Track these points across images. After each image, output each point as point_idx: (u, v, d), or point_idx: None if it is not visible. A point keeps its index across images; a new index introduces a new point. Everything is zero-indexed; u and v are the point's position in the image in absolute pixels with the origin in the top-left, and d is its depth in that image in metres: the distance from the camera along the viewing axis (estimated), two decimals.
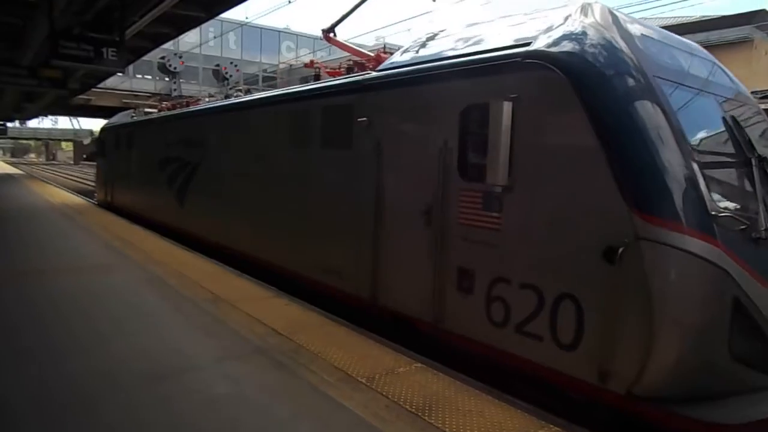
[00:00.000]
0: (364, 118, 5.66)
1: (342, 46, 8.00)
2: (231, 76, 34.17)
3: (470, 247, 4.53)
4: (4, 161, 77.08)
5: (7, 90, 18.71)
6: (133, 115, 15.79)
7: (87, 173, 47.96)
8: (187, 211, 10.71)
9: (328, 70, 7.86)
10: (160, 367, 4.00)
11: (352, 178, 5.93)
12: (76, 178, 41.04)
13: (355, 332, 4.96)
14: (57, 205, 15.46)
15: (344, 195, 6.07)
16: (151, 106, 16.53)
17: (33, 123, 54.87)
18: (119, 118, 17.18)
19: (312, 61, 8.45)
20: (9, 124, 46.67)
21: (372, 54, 7.06)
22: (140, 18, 9.90)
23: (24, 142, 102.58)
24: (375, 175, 5.53)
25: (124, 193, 15.18)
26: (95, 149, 19.50)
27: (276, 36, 38.13)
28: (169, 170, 11.45)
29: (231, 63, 34.97)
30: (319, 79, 7.75)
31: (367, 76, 5.96)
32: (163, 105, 14.56)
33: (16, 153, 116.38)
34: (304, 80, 9.13)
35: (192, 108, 11.59)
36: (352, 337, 4.83)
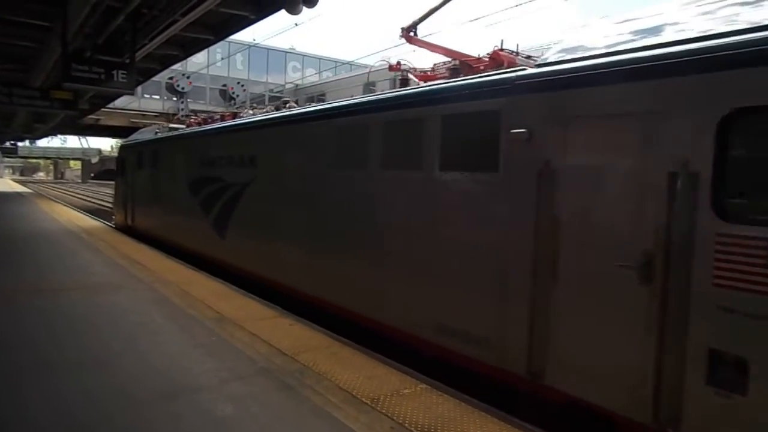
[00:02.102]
0: (523, 130, 4.20)
1: (430, 47, 6.90)
2: (238, 95, 34.67)
3: (740, 322, 3.03)
4: (13, 180, 77.92)
5: (20, 111, 19.05)
6: (157, 131, 14.86)
7: (95, 192, 48.47)
8: (229, 239, 9.25)
9: (417, 73, 6.70)
10: (170, 385, 4.04)
11: (495, 210, 4.45)
12: (83, 197, 41.43)
13: (360, 352, 4.95)
14: (65, 224, 15.58)
15: (478, 231, 4.64)
16: (156, 125, 16.46)
17: (42, 142, 55.67)
18: (143, 135, 16.02)
19: (398, 63, 7.11)
20: (19, 144, 47.40)
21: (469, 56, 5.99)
22: (150, 41, 10.11)
23: (33, 161, 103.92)
24: (539, 206, 4.08)
25: (147, 216, 13.96)
26: (115, 168, 18.37)
27: (282, 56, 38.75)
28: (206, 192, 10.09)
29: (238, 83, 35.53)
30: (406, 85, 6.44)
31: (529, 71, 4.38)
32: (192, 120, 13.63)
33: (25, 172, 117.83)
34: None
35: (236, 121, 10.12)
36: (358, 357, 4.81)
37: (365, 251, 6.05)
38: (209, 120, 12.22)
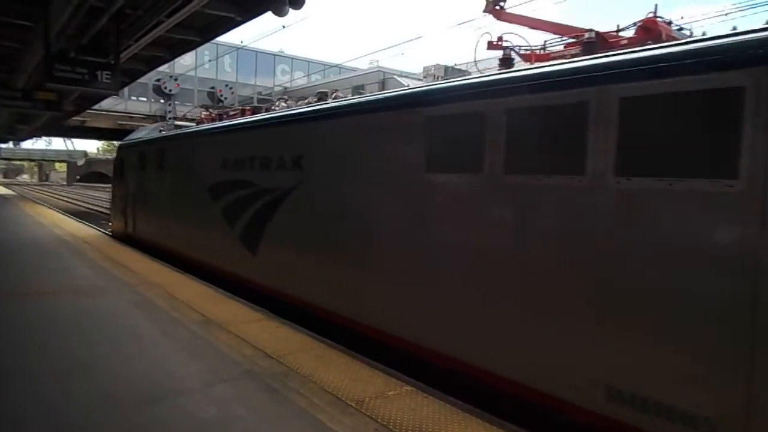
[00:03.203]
0: None
1: (529, 22, 5.75)
2: (226, 98, 34.49)
3: None
4: None
5: (2, 112, 18.79)
6: (162, 129, 13.56)
7: (81, 194, 47.91)
8: (264, 256, 7.68)
9: (525, 51, 5.52)
10: (155, 389, 4.01)
11: (733, 234, 3.09)
12: (69, 200, 40.91)
13: (345, 354, 4.93)
14: (50, 228, 15.37)
15: (695, 262, 3.21)
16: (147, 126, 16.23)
17: (27, 144, 54.85)
18: (143, 133, 14.54)
19: (500, 39, 5.65)
20: (2, 145, 46.70)
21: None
22: (135, 42, 10.04)
23: (17, 163, 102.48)
24: None
25: (151, 224, 12.34)
26: (113, 170, 16.46)
27: (271, 59, 38.63)
28: (232, 198, 8.48)
29: (226, 85, 35.32)
30: (509, 65, 5.30)
31: None
32: (203, 116, 12.38)
33: (9, 174, 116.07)
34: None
35: (272, 114, 8.52)
36: (343, 359, 4.79)
37: (483, 283, 4.51)
38: (224, 116, 11.03)
